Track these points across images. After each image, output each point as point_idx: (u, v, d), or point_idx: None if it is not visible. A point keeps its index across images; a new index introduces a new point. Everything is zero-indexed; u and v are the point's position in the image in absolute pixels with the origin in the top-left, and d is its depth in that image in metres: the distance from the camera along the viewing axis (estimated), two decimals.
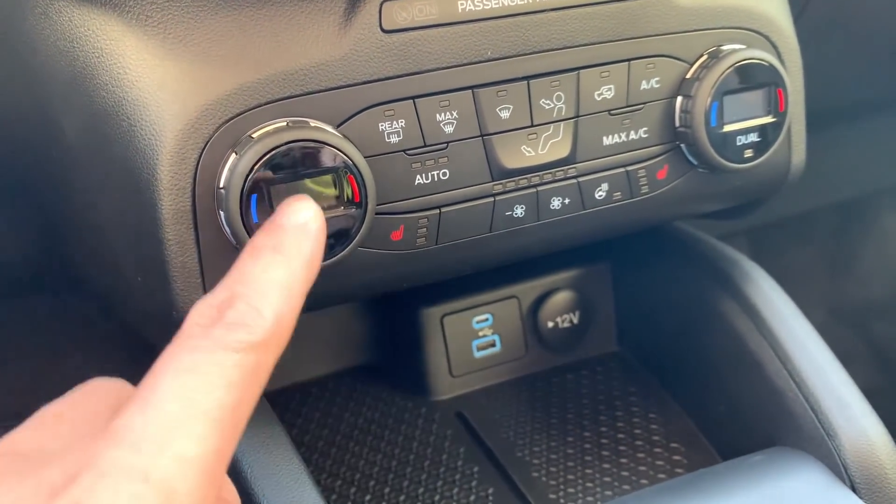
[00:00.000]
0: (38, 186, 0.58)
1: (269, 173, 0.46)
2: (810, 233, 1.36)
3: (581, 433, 0.72)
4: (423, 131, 0.51)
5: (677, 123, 0.58)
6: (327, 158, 0.47)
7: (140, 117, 0.46)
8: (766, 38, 0.61)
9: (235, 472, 0.53)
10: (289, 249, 0.37)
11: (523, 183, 0.55)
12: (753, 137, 0.59)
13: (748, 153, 0.59)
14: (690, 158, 0.60)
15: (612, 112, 0.57)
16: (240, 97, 0.47)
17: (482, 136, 0.53)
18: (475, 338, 0.76)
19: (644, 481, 0.67)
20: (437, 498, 0.66)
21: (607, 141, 0.57)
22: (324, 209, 0.47)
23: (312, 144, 0.46)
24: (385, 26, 0.50)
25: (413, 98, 0.51)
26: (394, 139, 0.51)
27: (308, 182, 0.47)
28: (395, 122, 0.50)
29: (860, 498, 0.57)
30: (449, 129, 0.52)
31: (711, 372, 0.70)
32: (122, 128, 0.46)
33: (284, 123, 0.47)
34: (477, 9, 0.51)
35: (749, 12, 0.60)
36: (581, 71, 0.55)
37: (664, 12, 0.57)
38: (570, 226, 0.58)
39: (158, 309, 0.49)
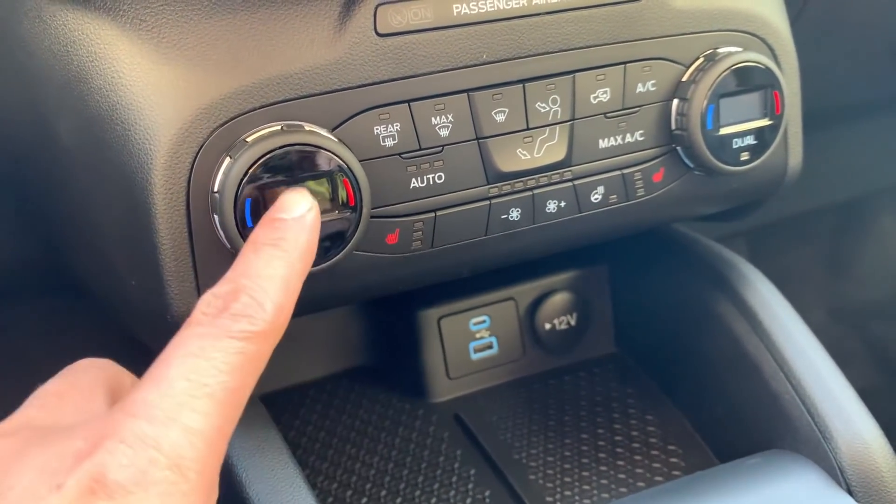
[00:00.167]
0: (33, 190, 0.58)
1: (263, 177, 0.46)
2: (808, 234, 1.36)
3: (578, 435, 0.72)
4: (419, 134, 0.51)
5: (673, 126, 0.58)
6: (322, 162, 0.47)
7: (134, 121, 0.46)
8: (763, 40, 0.61)
9: (230, 475, 0.53)
10: (287, 244, 0.40)
11: (519, 186, 0.55)
12: (750, 140, 0.59)
13: (744, 156, 0.59)
14: (686, 161, 0.60)
15: (607, 115, 0.57)
16: (234, 101, 0.47)
17: (477, 139, 0.53)
18: (472, 340, 0.76)
19: (641, 484, 0.67)
20: (433, 501, 0.66)
21: (603, 144, 0.57)
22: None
23: (307, 148, 0.46)
24: (380, 30, 0.50)
25: (408, 101, 0.51)
26: (389, 142, 0.51)
27: (303, 186, 0.47)
28: (390, 126, 0.50)
29: (856, 501, 0.57)
30: (444, 133, 0.52)
31: (709, 374, 0.70)
32: (116, 132, 0.46)
33: (279, 127, 0.47)
34: (472, 12, 0.51)
35: (745, 15, 0.60)
36: (577, 74, 0.55)
37: (660, 15, 0.57)
38: (566, 229, 0.58)
39: (153, 312, 0.49)
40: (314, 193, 0.47)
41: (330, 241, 0.48)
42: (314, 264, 0.48)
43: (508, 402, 0.75)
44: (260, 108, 0.47)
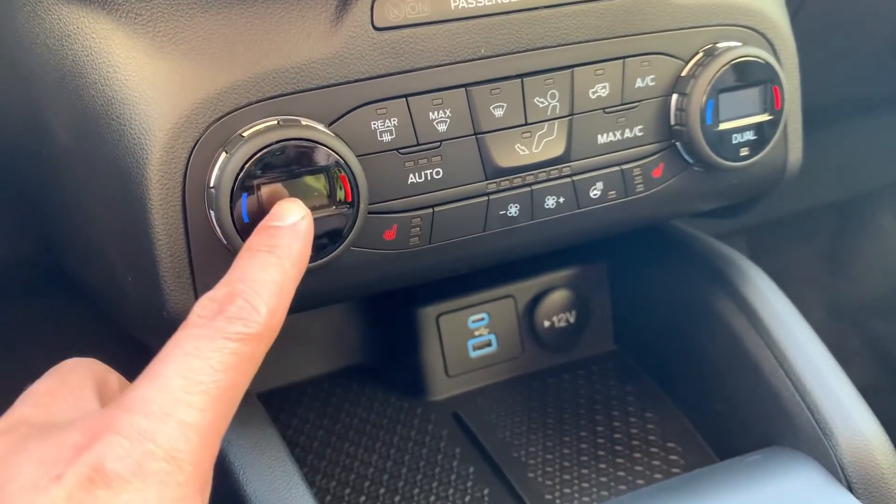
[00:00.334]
0: (29, 187, 0.57)
1: (259, 172, 0.45)
2: (809, 231, 1.36)
3: (577, 433, 0.71)
4: (416, 130, 0.51)
5: (672, 121, 0.58)
6: (319, 157, 0.47)
7: (129, 116, 0.45)
8: (763, 35, 0.60)
9: (228, 473, 0.53)
10: (281, 251, 0.41)
11: (517, 182, 0.55)
12: (749, 135, 0.59)
13: (744, 151, 0.59)
14: (686, 157, 0.59)
15: (606, 110, 0.56)
16: (230, 96, 0.46)
17: (476, 134, 0.53)
18: (471, 337, 0.76)
19: (640, 481, 0.67)
20: (432, 499, 0.66)
21: (602, 139, 0.57)
22: (315, 208, 0.47)
23: (304, 143, 0.46)
24: (377, 24, 0.49)
25: (405, 96, 0.50)
26: (386, 138, 0.50)
27: (299, 181, 0.47)
28: (387, 121, 0.50)
29: (857, 498, 0.56)
30: (442, 128, 0.52)
31: (708, 372, 0.70)
32: (111, 127, 0.46)
33: (275, 122, 0.47)
34: (470, 6, 0.51)
35: (745, 9, 0.59)
36: (575, 69, 0.55)
37: (659, 9, 0.56)
38: (565, 225, 0.58)
39: (149, 309, 0.49)
40: (311, 189, 0.47)
41: (327, 237, 0.48)
42: (311, 260, 0.47)
43: (507, 400, 0.75)
44: (256, 102, 0.47)
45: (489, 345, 0.77)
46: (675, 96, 0.58)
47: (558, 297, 0.78)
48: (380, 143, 0.50)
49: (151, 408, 0.34)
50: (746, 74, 0.58)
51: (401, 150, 0.51)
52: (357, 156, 0.48)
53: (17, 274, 0.67)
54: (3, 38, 0.49)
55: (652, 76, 0.57)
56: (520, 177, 0.55)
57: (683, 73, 0.57)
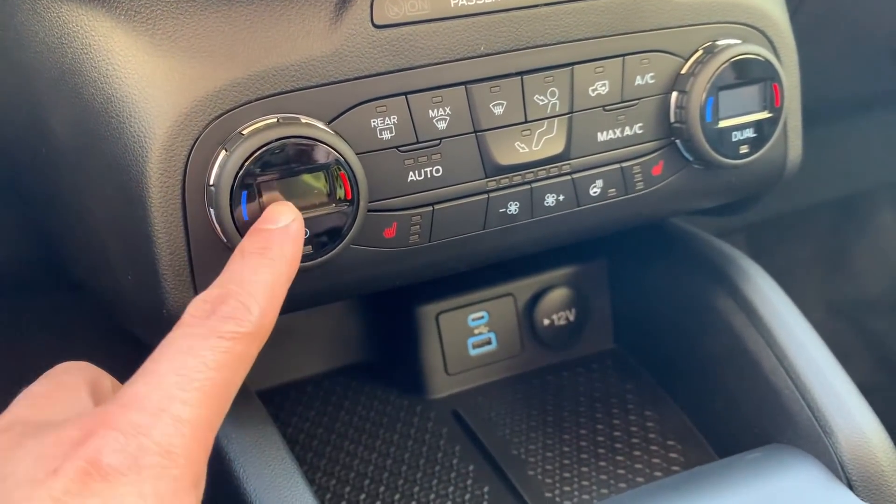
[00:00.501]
0: (29, 185, 0.57)
1: (259, 170, 0.45)
2: (808, 229, 1.36)
3: (577, 431, 0.71)
4: (416, 127, 0.51)
5: (672, 119, 0.58)
6: (319, 155, 0.47)
7: (129, 114, 0.45)
8: (762, 32, 0.60)
9: (228, 471, 0.53)
10: (273, 253, 0.42)
11: (517, 179, 0.55)
12: (749, 133, 0.59)
13: (744, 149, 0.59)
14: (686, 154, 0.59)
15: (606, 108, 0.56)
16: (230, 93, 0.46)
17: (475, 132, 0.53)
18: (471, 335, 0.76)
19: (640, 479, 0.67)
20: (432, 497, 0.66)
21: (602, 137, 0.57)
22: (315, 206, 0.47)
23: (303, 141, 0.46)
24: (376, 21, 0.49)
25: (405, 94, 0.50)
26: (386, 135, 0.50)
27: (299, 179, 0.47)
28: (387, 119, 0.50)
29: (857, 495, 0.56)
30: (442, 126, 0.52)
31: (708, 369, 0.70)
32: (110, 125, 0.46)
33: (275, 120, 0.47)
34: (469, 4, 0.51)
35: (745, 7, 0.59)
36: (575, 66, 0.55)
37: (659, 7, 0.56)
38: (565, 223, 0.58)
39: (149, 307, 0.49)
40: (311, 187, 0.47)
41: (327, 235, 0.48)
42: (311, 258, 0.47)
43: (507, 398, 0.75)
44: (256, 100, 0.47)
45: (489, 343, 0.77)
46: (674, 94, 0.58)
47: (558, 295, 0.78)
48: (379, 140, 0.50)
49: (146, 404, 0.35)
50: (746, 72, 0.58)
51: (401, 148, 0.51)
52: (357, 154, 0.48)
53: (17, 272, 0.67)
54: (3, 37, 0.49)
55: (652, 74, 0.57)
56: (519, 174, 0.55)
57: (683, 71, 0.57)
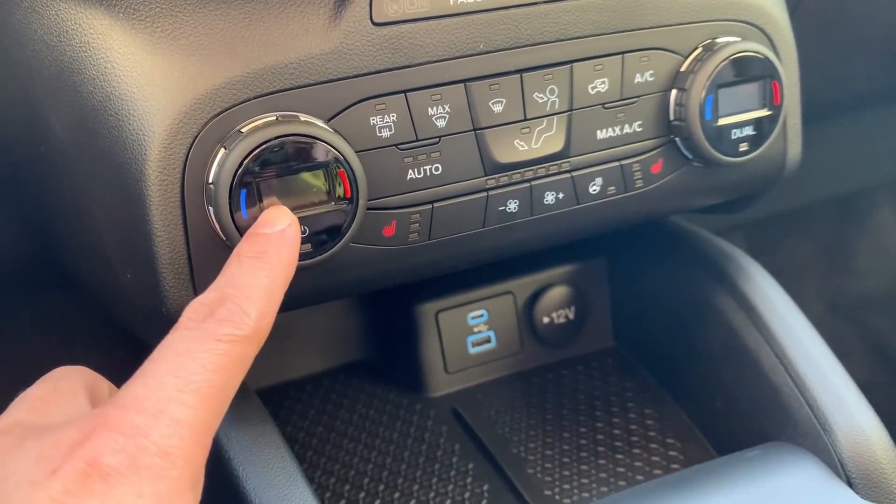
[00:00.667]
0: (28, 183, 0.57)
1: (258, 168, 0.45)
2: (808, 227, 1.36)
3: (577, 429, 0.71)
4: (415, 125, 0.51)
5: (672, 117, 0.58)
6: (318, 153, 0.47)
7: (128, 112, 0.45)
8: (762, 30, 0.60)
9: (227, 469, 0.53)
10: (270, 257, 0.42)
11: (516, 177, 0.55)
12: (749, 131, 0.59)
13: (743, 147, 0.59)
14: (685, 152, 0.59)
15: (605, 105, 0.56)
16: (229, 91, 0.46)
17: (475, 130, 0.53)
18: (470, 334, 0.76)
19: (640, 477, 0.67)
20: (431, 495, 0.66)
21: (601, 135, 0.57)
22: (314, 204, 0.47)
23: (302, 139, 0.46)
24: (376, 19, 0.49)
25: (404, 92, 0.50)
26: (385, 133, 0.50)
27: (298, 177, 0.46)
28: (386, 116, 0.50)
29: (856, 493, 0.56)
30: (441, 123, 0.52)
31: (707, 367, 0.70)
32: (109, 123, 0.46)
33: (274, 118, 0.47)
34: (469, 1, 0.51)
35: (744, 4, 0.59)
36: (574, 64, 0.55)
37: (658, 4, 0.56)
38: (564, 221, 0.58)
39: (148, 305, 0.49)
40: (310, 185, 0.47)
41: (326, 234, 0.48)
42: (310, 257, 0.47)
43: (506, 396, 0.75)
44: (255, 98, 0.47)
45: (488, 341, 0.77)
46: (674, 91, 0.58)
47: (557, 293, 0.78)
48: (379, 138, 0.50)
49: (145, 405, 0.35)
50: (745, 70, 0.58)
51: (400, 146, 0.51)
52: (356, 152, 0.48)
53: (15, 270, 0.67)
54: (1, 35, 0.49)
55: (651, 71, 0.57)
56: (519, 172, 0.55)
57: (682, 69, 0.57)
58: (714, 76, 0.56)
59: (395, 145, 0.51)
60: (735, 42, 0.57)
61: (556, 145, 0.55)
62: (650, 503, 0.56)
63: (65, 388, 0.40)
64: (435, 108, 0.51)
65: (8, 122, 0.53)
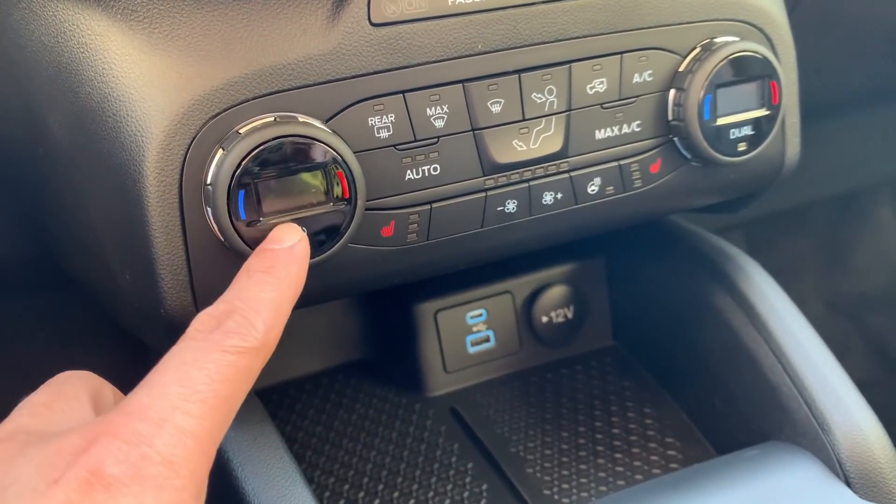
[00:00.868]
0: (26, 184, 0.57)
1: (256, 169, 0.45)
2: (806, 226, 1.36)
3: (576, 428, 0.71)
4: (414, 126, 0.51)
5: (670, 117, 0.58)
6: (316, 154, 0.47)
7: (126, 113, 0.45)
8: (760, 30, 0.60)
9: (226, 470, 0.53)
10: (278, 272, 0.42)
11: (515, 178, 0.55)
12: (747, 130, 0.59)
13: (742, 146, 0.59)
14: (684, 152, 0.59)
15: (604, 105, 0.56)
16: (227, 92, 0.46)
17: (473, 130, 0.53)
18: (469, 333, 0.76)
19: (639, 476, 0.67)
20: (430, 494, 0.66)
21: (600, 135, 0.57)
22: (313, 205, 0.47)
23: (301, 140, 0.46)
24: (374, 20, 0.49)
25: (403, 92, 0.50)
26: (383, 134, 0.50)
27: (296, 178, 0.46)
28: (384, 117, 0.50)
29: (854, 492, 0.57)
30: (439, 124, 0.52)
31: (706, 367, 0.70)
32: (107, 124, 0.46)
33: (272, 119, 0.47)
34: (467, 2, 0.51)
35: (743, 4, 0.59)
36: (573, 64, 0.54)
37: (657, 4, 0.56)
38: (563, 221, 0.58)
39: (146, 306, 0.49)
40: (308, 185, 0.47)
41: (325, 234, 0.48)
42: (310, 257, 0.47)
43: (505, 395, 0.75)
44: (253, 99, 0.47)
45: (487, 340, 0.77)
46: (672, 91, 0.57)
47: (556, 292, 0.78)
48: (377, 139, 0.50)
49: (149, 413, 0.35)
50: (744, 69, 0.58)
51: (398, 147, 0.51)
52: (354, 152, 0.48)
53: (15, 271, 0.67)
54: None
55: (649, 71, 0.57)
56: (517, 173, 0.55)
57: (681, 69, 0.57)
58: (712, 76, 0.56)
59: (394, 146, 0.51)
60: (733, 42, 0.57)
61: (555, 145, 0.55)
62: (649, 503, 0.56)
63: (68, 393, 0.40)
64: (433, 109, 0.51)
65: (6, 123, 0.53)
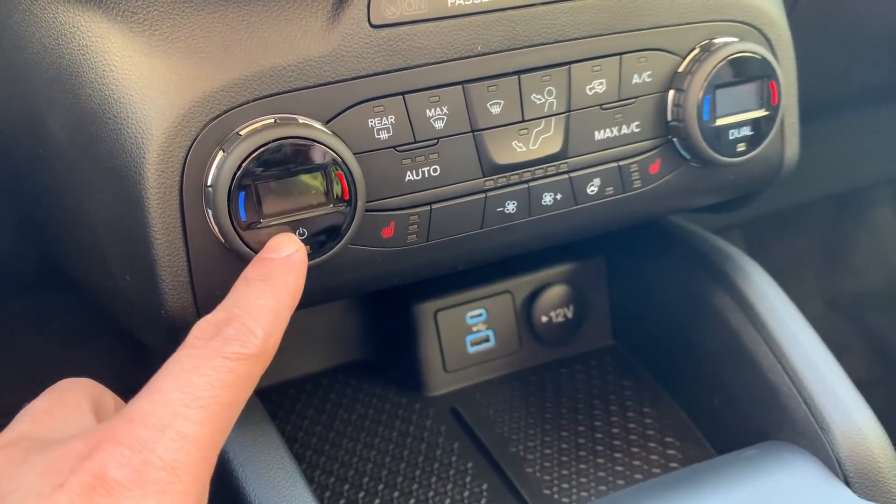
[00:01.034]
0: (27, 185, 0.57)
1: (257, 171, 0.45)
2: (806, 224, 1.36)
3: (575, 428, 0.72)
4: (413, 127, 0.51)
5: (669, 117, 0.58)
6: (316, 155, 0.47)
7: (126, 115, 0.45)
8: (759, 30, 0.60)
9: (226, 470, 0.53)
10: (276, 280, 0.43)
11: (514, 179, 0.55)
12: (746, 131, 0.59)
13: (741, 147, 0.59)
14: (683, 152, 0.59)
15: (603, 106, 0.56)
16: (227, 94, 0.46)
17: (473, 131, 0.53)
18: (469, 333, 0.76)
19: (638, 476, 0.67)
20: (431, 494, 0.66)
21: (599, 136, 0.57)
22: (313, 206, 0.47)
23: (301, 141, 0.46)
24: (373, 21, 0.49)
25: (402, 94, 0.50)
26: (383, 135, 0.50)
27: (297, 179, 0.47)
28: (384, 118, 0.50)
29: (853, 491, 0.57)
30: (439, 125, 0.52)
31: (706, 366, 0.70)
32: (108, 126, 0.46)
33: (272, 120, 0.47)
34: (466, 3, 0.51)
35: (741, 5, 0.59)
36: (572, 65, 0.55)
37: (656, 5, 0.56)
38: (563, 221, 0.58)
39: (147, 307, 0.49)
40: (308, 187, 0.47)
41: (325, 235, 0.48)
42: (309, 259, 0.48)
43: (505, 395, 0.75)
44: (253, 100, 0.47)
45: (487, 340, 0.77)
46: (671, 92, 0.58)
47: (556, 292, 0.78)
48: (377, 140, 0.50)
49: (151, 419, 0.35)
50: (743, 70, 0.58)
51: (398, 148, 0.51)
52: (354, 154, 0.48)
53: (16, 272, 0.67)
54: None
55: (649, 72, 0.57)
56: (517, 174, 0.55)
57: (680, 69, 0.57)
58: (712, 77, 0.56)
59: (394, 147, 0.51)
60: (732, 42, 0.57)
61: (554, 146, 0.55)
62: (649, 502, 0.57)
63: (70, 400, 0.40)
64: (433, 110, 0.51)
65: (6, 125, 0.53)
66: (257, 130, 0.46)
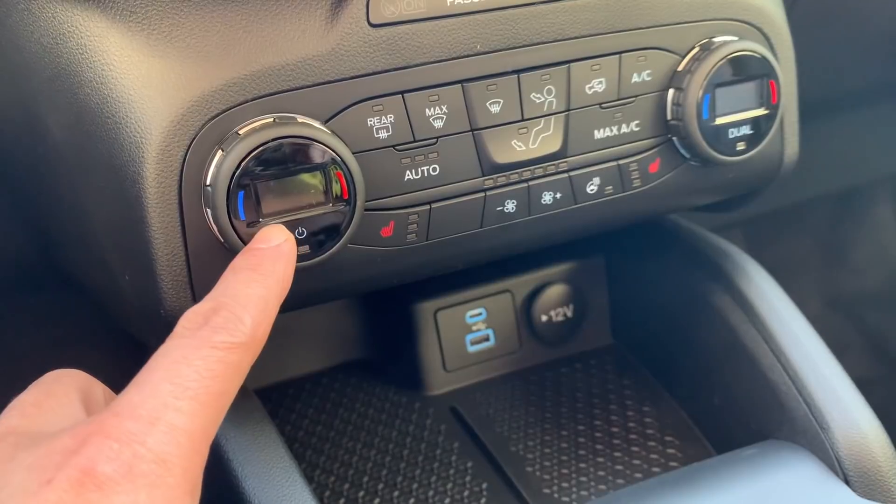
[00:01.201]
0: (25, 184, 0.57)
1: (256, 170, 0.45)
2: (805, 223, 1.36)
3: (575, 427, 0.72)
4: (413, 126, 0.51)
5: (669, 116, 0.58)
6: (315, 155, 0.47)
7: (125, 115, 0.45)
8: (759, 29, 0.60)
9: (226, 470, 0.53)
10: (265, 269, 0.42)
11: (514, 178, 0.55)
12: (746, 130, 0.59)
13: (741, 146, 0.59)
14: (682, 151, 0.59)
15: (603, 105, 0.56)
16: (226, 93, 0.46)
17: (472, 130, 0.53)
18: (469, 332, 0.76)
19: (638, 475, 0.67)
20: (430, 493, 0.66)
21: (599, 135, 0.57)
22: (312, 206, 0.47)
23: (300, 141, 0.46)
24: (373, 20, 0.49)
25: (402, 93, 0.50)
26: (383, 134, 0.50)
27: (296, 178, 0.47)
28: (383, 118, 0.50)
29: (853, 491, 0.57)
30: (438, 124, 0.52)
31: (705, 365, 0.70)
32: (107, 125, 0.46)
33: (271, 120, 0.47)
34: (465, 2, 0.51)
35: (741, 3, 0.59)
36: (572, 64, 0.55)
37: (655, 4, 0.56)
38: (562, 220, 0.58)
39: (146, 307, 0.49)
40: (307, 186, 0.47)
41: (324, 235, 0.48)
42: (308, 258, 0.48)
43: (505, 394, 0.75)
44: (252, 100, 0.47)
45: (487, 339, 0.77)
46: (671, 91, 0.58)
47: (556, 291, 0.78)
48: (376, 139, 0.50)
49: (140, 412, 0.34)
50: (743, 69, 0.58)
51: (397, 147, 0.51)
52: (353, 153, 0.48)
53: (14, 271, 0.67)
54: None
55: (648, 71, 0.57)
56: (516, 173, 0.55)
57: (680, 68, 0.57)
58: (711, 75, 0.56)
59: (393, 146, 0.51)
60: (732, 41, 0.57)
61: (554, 145, 0.55)
62: (649, 501, 0.57)
63: (58, 392, 0.39)
64: (432, 109, 0.51)
65: (5, 124, 0.53)
66: (256, 130, 0.46)
